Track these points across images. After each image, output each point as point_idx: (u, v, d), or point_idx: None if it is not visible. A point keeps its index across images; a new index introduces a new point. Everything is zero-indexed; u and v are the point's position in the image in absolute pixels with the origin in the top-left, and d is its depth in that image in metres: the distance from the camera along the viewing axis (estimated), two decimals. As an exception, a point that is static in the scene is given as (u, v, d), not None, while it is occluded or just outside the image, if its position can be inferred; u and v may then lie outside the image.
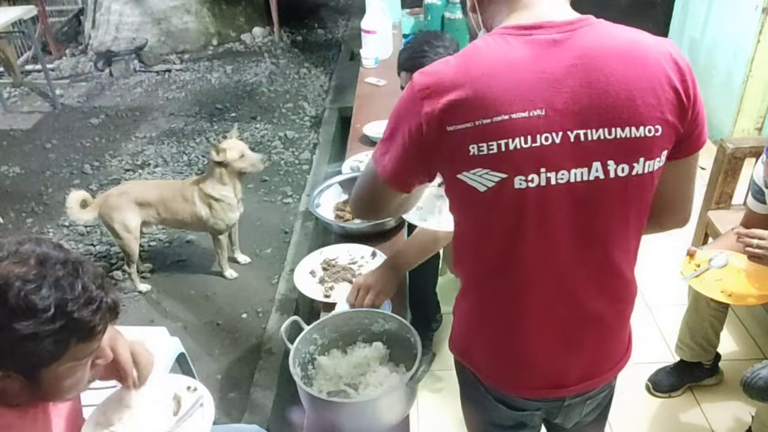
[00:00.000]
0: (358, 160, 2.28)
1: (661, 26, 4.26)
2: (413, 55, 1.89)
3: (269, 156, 4.17)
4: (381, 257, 1.74)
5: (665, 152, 0.93)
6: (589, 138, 0.88)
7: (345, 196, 2.05)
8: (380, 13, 3.25)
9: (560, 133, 0.87)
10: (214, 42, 6.39)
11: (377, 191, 1.06)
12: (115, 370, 1.14)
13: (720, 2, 3.69)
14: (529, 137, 0.87)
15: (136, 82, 5.56)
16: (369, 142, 2.41)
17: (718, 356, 2.20)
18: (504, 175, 0.89)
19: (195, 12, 6.30)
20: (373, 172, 1.03)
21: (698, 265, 1.78)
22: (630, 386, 2.21)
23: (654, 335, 2.43)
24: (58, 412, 1.06)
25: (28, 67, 5.75)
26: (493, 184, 0.90)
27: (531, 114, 0.86)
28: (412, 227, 2.06)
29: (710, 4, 3.78)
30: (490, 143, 0.87)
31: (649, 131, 0.89)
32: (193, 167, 4.06)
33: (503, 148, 0.87)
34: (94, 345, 0.94)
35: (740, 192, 2.36)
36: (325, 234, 2.60)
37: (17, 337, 0.84)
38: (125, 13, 6.13)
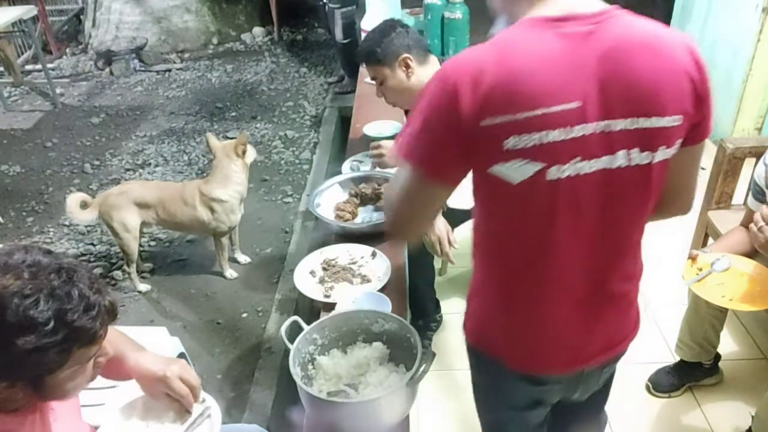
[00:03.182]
0: (358, 160, 2.28)
1: (661, 26, 4.25)
2: (364, 47, 2.00)
3: (269, 155, 4.17)
4: (381, 257, 1.74)
5: (679, 141, 0.97)
6: (617, 128, 0.92)
7: (345, 196, 2.05)
8: (380, 13, 3.24)
9: (592, 124, 0.91)
10: (215, 41, 6.39)
11: (416, 191, 1.00)
12: (115, 372, 1.15)
13: (720, 2, 3.69)
14: (565, 129, 0.90)
15: (136, 81, 5.56)
16: (369, 141, 2.40)
17: (718, 356, 2.19)
18: (540, 167, 0.91)
19: (195, 11, 6.30)
20: (409, 176, 0.99)
21: (700, 269, 1.76)
22: (630, 386, 2.21)
23: (654, 335, 2.43)
24: (57, 416, 1.05)
25: (29, 66, 5.75)
26: (528, 176, 0.92)
27: (567, 107, 0.89)
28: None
29: (710, 4, 3.77)
30: (527, 136, 0.89)
31: (670, 121, 0.93)
32: (193, 166, 4.06)
33: (540, 142, 0.89)
34: (96, 348, 0.94)
35: (740, 192, 2.35)
36: (325, 234, 2.60)
37: (20, 352, 0.83)
38: (125, 13, 6.13)
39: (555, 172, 0.92)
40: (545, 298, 1.07)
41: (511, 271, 1.08)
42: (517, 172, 0.92)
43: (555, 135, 0.89)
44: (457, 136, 0.91)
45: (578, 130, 0.90)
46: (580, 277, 1.04)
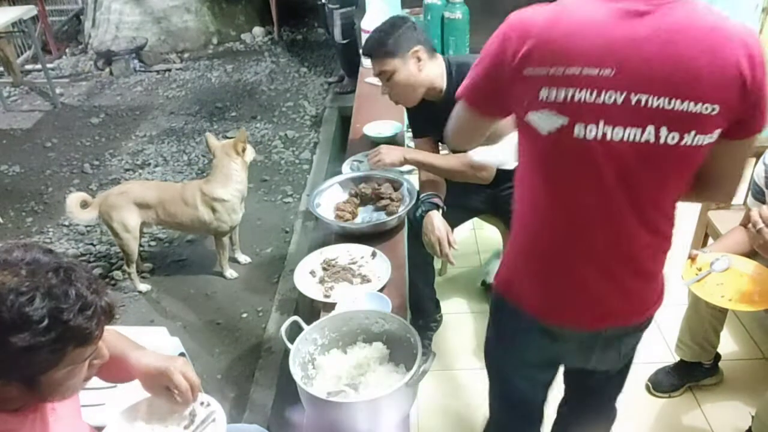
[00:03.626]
0: (358, 160, 2.27)
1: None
2: (374, 38, 1.96)
3: (269, 155, 4.17)
4: (381, 257, 1.73)
5: (718, 131, 1.00)
6: (650, 104, 0.96)
7: (345, 196, 2.05)
8: (380, 13, 3.24)
9: (623, 94, 0.96)
10: (214, 41, 6.39)
11: (461, 117, 1.21)
12: (116, 372, 1.14)
13: (720, 2, 3.68)
14: (594, 92, 0.97)
15: (136, 81, 5.56)
16: (369, 141, 2.40)
17: (718, 356, 2.20)
18: (565, 121, 1.00)
19: (195, 11, 6.30)
20: (460, 103, 1.18)
21: (699, 269, 1.76)
22: (630, 386, 2.19)
23: (654, 335, 2.43)
24: (57, 416, 1.05)
25: (28, 66, 5.74)
26: (555, 128, 1.01)
27: (600, 72, 0.96)
28: (411, 228, 2.06)
29: (710, 4, 3.77)
30: (558, 90, 0.98)
31: (707, 109, 0.96)
32: (193, 166, 4.06)
33: (569, 98, 0.98)
34: (92, 348, 0.93)
35: (740, 192, 2.35)
36: (325, 234, 2.61)
37: (14, 350, 0.82)
38: (125, 13, 6.13)
39: (580, 130, 0.99)
40: (567, 251, 1.13)
41: (540, 222, 1.15)
42: (545, 122, 1.01)
43: (584, 94, 0.97)
44: (500, 79, 1.05)
45: (608, 96, 0.96)
46: (601, 237, 1.10)
